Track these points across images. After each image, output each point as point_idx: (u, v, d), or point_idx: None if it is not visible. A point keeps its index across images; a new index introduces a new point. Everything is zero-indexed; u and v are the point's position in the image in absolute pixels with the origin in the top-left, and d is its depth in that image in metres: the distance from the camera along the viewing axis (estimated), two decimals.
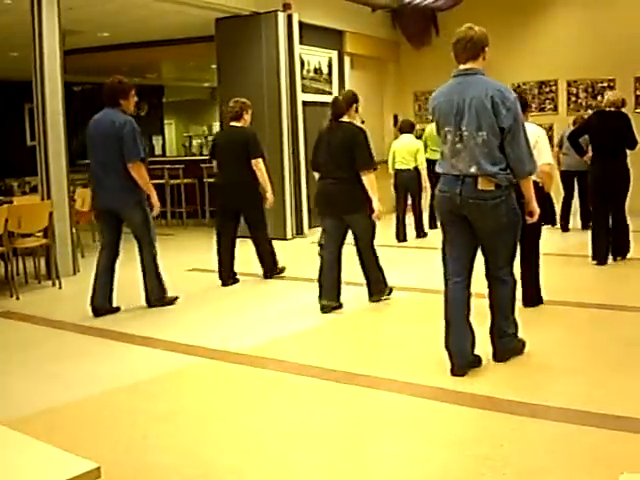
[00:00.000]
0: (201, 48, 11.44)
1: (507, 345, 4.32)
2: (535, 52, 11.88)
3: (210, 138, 17.89)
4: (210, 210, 11.67)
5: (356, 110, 5.76)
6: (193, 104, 19.53)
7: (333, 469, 3.06)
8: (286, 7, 9.94)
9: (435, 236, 7.79)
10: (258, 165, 6.78)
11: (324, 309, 5.73)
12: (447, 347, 4.15)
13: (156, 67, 15.62)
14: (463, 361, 4.13)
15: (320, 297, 5.77)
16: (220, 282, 6.94)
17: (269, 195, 6.87)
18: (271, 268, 7.14)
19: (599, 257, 7.16)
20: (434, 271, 6.79)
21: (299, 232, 10.25)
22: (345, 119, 5.68)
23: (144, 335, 5.24)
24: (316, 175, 5.91)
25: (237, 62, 10.08)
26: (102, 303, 5.90)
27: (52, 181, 7.34)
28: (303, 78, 10.56)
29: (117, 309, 6.01)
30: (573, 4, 11.60)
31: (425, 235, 9.61)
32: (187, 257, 8.61)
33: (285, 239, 9.87)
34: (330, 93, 11.30)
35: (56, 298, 6.87)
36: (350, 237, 5.82)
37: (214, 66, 10.77)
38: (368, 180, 5.55)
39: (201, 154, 16.83)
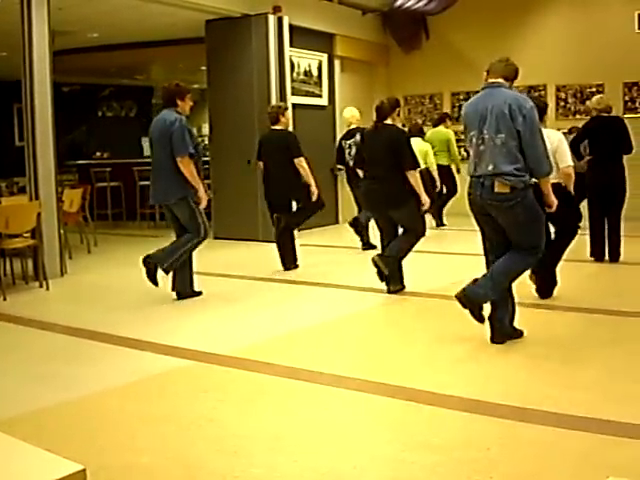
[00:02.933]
0: (191, 50, 11.44)
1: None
2: (524, 57, 11.83)
3: (200, 140, 17.95)
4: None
5: (398, 114, 6.33)
6: None
7: (320, 473, 3.06)
8: (276, 10, 9.94)
9: (433, 238, 8.18)
10: (301, 163, 7.32)
11: (390, 292, 6.24)
12: (490, 319, 4.66)
13: (146, 68, 15.58)
14: (503, 331, 4.67)
15: (387, 284, 6.24)
16: (282, 267, 7.48)
17: (314, 189, 7.39)
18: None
19: (597, 255, 7.51)
20: (427, 274, 6.85)
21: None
22: (389, 121, 6.18)
23: (133, 337, 5.22)
24: (360, 173, 6.48)
25: (227, 64, 10.08)
26: (183, 288, 6.38)
27: (40, 182, 7.31)
28: (293, 81, 10.57)
29: (199, 293, 6.46)
30: (562, 10, 11.67)
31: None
32: None
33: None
34: (320, 96, 11.34)
35: (44, 299, 6.84)
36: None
37: (204, 68, 10.77)
38: (413, 178, 6.03)
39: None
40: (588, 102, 7.88)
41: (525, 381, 4.16)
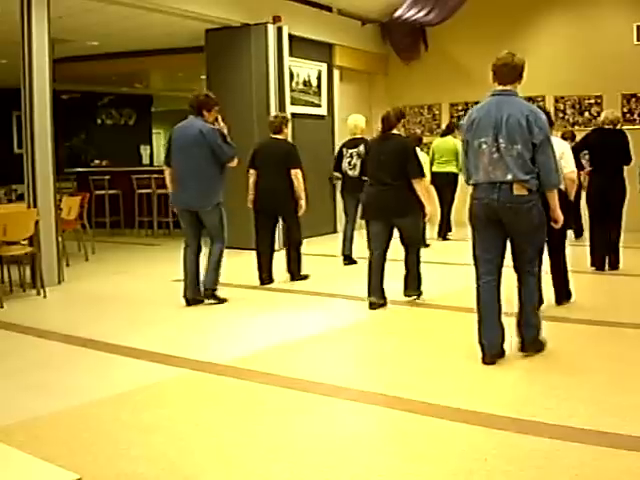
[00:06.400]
0: (191, 59, 11.46)
1: (533, 336, 4.72)
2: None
3: None
4: None
5: (403, 125, 6.44)
6: (182, 114, 19.30)
7: None
8: (276, 19, 9.96)
9: (434, 248, 8.22)
10: (297, 175, 7.32)
11: (372, 306, 6.21)
12: (480, 341, 4.59)
13: (145, 77, 15.63)
14: (494, 352, 4.58)
15: (369, 295, 6.24)
16: (259, 282, 7.38)
17: (302, 203, 7.40)
18: (297, 272, 7.62)
19: (598, 264, 7.65)
20: (426, 284, 6.83)
21: (285, 244, 10.20)
22: (395, 131, 6.28)
23: (130, 346, 5.21)
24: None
25: (226, 73, 10.10)
26: (193, 294, 6.48)
27: (38, 189, 7.31)
28: (292, 90, 10.59)
29: (202, 300, 6.52)
30: (560, 21, 11.72)
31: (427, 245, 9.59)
32: (173, 267, 8.54)
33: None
34: (319, 106, 11.35)
35: (41, 307, 6.83)
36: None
37: (203, 77, 10.78)
38: (420, 186, 6.12)
39: None
40: (603, 113, 8.02)
41: (522, 392, 4.16)
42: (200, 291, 6.51)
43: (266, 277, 7.42)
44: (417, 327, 5.82)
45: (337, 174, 8.86)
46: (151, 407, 4.03)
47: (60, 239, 7.74)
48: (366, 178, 6.53)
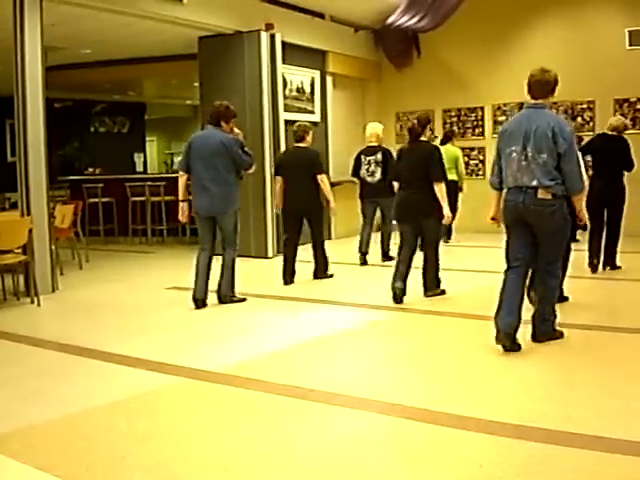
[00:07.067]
0: (184, 66, 11.47)
1: (546, 329, 5.10)
2: (515, 74, 11.93)
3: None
4: (191, 228, 11.64)
5: (430, 130, 6.95)
6: (175, 121, 19.54)
7: None
8: (269, 27, 9.98)
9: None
10: (323, 179, 7.83)
11: (395, 295, 6.60)
12: (496, 322, 4.91)
13: (138, 84, 15.62)
14: (507, 331, 4.86)
15: (394, 282, 6.63)
16: (282, 282, 7.75)
17: (332, 204, 7.92)
18: (322, 271, 8.05)
19: (593, 266, 7.91)
20: (421, 290, 6.84)
21: (281, 251, 10.21)
22: (423, 138, 6.75)
23: (124, 354, 5.19)
24: (396, 184, 6.97)
25: (220, 80, 10.10)
26: (203, 296, 6.73)
27: (32, 197, 7.29)
28: (285, 97, 10.61)
29: (206, 304, 6.76)
30: (553, 26, 11.76)
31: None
32: (167, 275, 8.58)
33: (267, 257, 9.87)
34: (312, 112, 11.37)
35: (34, 315, 6.81)
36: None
37: (197, 84, 10.78)
38: (440, 189, 6.53)
39: None
40: (609, 120, 8.37)
41: (519, 398, 4.16)
42: (207, 293, 6.77)
43: (289, 279, 7.81)
44: (414, 333, 5.82)
45: (354, 179, 9.07)
46: (146, 415, 4.02)
47: (54, 247, 7.73)
48: (396, 183, 7.02)
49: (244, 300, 6.89)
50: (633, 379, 4.38)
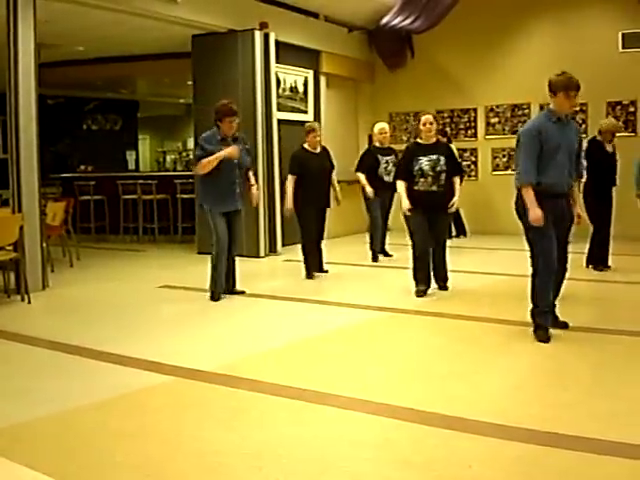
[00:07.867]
0: (177, 64, 11.44)
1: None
2: (508, 75, 12.04)
3: (184, 154, 17.97)
4: (182, 226, 11.64)
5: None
6: (168, 120, 19.51)
7: None
8: (263, 26, 9.97)
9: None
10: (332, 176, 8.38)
11: (419, 293, 6.88)
12: (536, 303, 5.29)
13: (131, 82, 15.58)
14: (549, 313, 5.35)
15: (417, 284, 6.95)
16: (305, 274, 8.01)
17: (340, 197, 8.55)
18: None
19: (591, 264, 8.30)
20: (412, 289, 6.85)
21: (272, 250, 10.22)
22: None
23: (115, 352, 5.17)
24: (403, 184, 6.95)
25: (213, 79, 10.09)
26: (224, 289, 7.00)
27: (23, 194, 7.26)
28: (279, 96, 10.60)
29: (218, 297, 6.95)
30: (546, 29, 11.79)
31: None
32: (159, 273, 8.57)
33: (258, 257, 9.85)
34: (305, 112, 11.36)
35: (25, 313, 6.78)
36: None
37: (190, 82, 10.76)
38: (457, 182, 7.04)
39: (175, 170, 16.82)
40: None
41: (508, 399, 4.17)
42: (228, 285, 7.10)
43: (316, 270, 8.13)
44: (404, 334, 5.82)
45: (359, 174, 9.35)
46: (136, 414, 4.01)
47: (45, 245, 7.70)
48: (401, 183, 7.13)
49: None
50: (621, 381, 4.40)
